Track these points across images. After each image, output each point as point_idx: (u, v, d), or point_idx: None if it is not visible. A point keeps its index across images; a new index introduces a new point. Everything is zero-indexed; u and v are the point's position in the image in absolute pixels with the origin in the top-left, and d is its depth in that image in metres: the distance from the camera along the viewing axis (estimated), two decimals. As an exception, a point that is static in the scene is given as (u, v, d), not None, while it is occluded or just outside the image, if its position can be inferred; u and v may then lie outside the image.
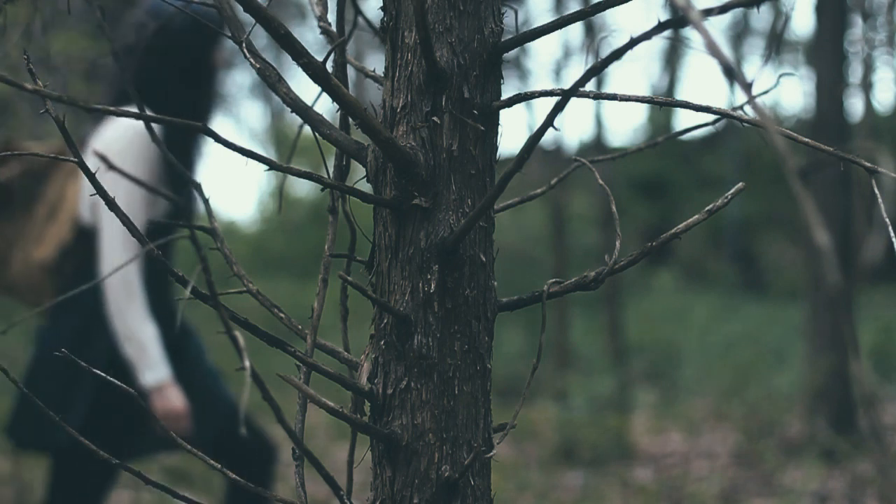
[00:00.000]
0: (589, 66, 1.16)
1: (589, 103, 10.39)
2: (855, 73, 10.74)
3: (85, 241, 3.13)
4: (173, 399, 3.04)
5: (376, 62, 1.56)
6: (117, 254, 3.01)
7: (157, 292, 3.14)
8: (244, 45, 1.36)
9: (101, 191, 1.33)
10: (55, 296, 3.16)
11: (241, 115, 26.46)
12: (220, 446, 3.20)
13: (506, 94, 1.42)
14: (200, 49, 3.19)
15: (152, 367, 3.02)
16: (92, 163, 3.23)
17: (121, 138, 3.03)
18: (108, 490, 3.22)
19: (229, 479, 1.41)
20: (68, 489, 3.16)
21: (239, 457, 3.19)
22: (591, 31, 8.50)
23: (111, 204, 1.33)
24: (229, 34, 1.40)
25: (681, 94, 13.94)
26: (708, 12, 1.05)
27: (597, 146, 9.80)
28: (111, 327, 3.04)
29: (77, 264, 3.14)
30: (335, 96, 1.33)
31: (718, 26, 19.08)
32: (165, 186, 3.12)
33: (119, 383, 1.42)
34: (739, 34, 18.73)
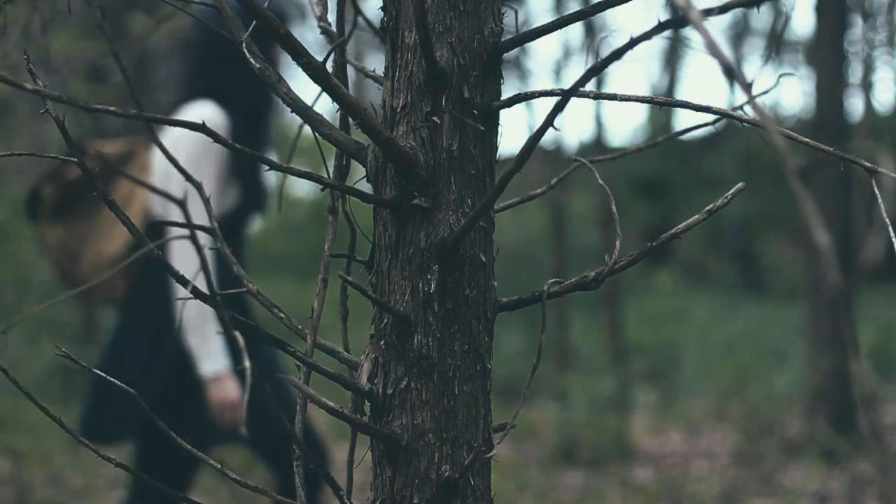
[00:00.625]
0: (589, 66, 1.16)
1: (589, 103, 10.39)
2: (855, 73, 10.74)
3: (156, 234, 3.19)
4: (229, 390, 3.09)
5: (376, 62, 1.56)
6: (186, 245, 3.05)
7: (225, 285, 3.20)
8: (244, 45, 1.36)
9: (100, 191, 1.33)
10: (126, 290, 3.24)
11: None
12: (276, 449, 3.26)
13: (506, 94, 1.42)
14: (261, 44, 3.24)
15: (212, 357, 3.09)
16: (160, 164, 3.30)
17: (189, 133, 3.07)
18: (193, 475, 3.29)
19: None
20: (155, 475, 3.22)
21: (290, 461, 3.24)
22: (591, 31, 8.50)
23: (111, 204, 1.33)
24: (229, 34, 1.40)
25: (681, 94, 13.94)
26: (708, 12, 1.05)
27: (597, 146, 9.80)
28: (176, 318, 3.11)
29: (148, 258, 3.19)
30: (335, 96, 1.33)
31: (718, 26, 19.09)
32: (234, 179, 3.21)
33: (118, 386, 1.42)
34: (739, 34, 18.74)
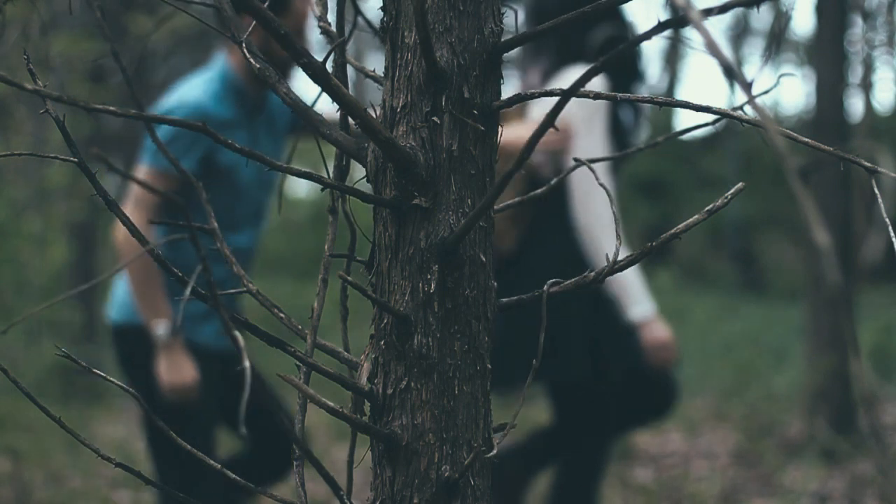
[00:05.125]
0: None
1: (589, 103, 10.34)
2: (855, 73, 10.73)
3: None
4: (660, 331, 3.28)
5: (376, 62, 1.55)
6: (591, 198, 3.24)
7: None
8: (244, 45, 1.36)
9: (99, 189, 1.32)
10: (514, 241, 3.38)
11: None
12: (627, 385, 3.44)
13: (506, 94, 1.42)
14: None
15: (637, 302, 3.28)
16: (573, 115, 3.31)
17: (585, 104, 3.20)
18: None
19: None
20: (582, 416, 3.48)
21: (641, 395, 3.47)
22: (591, 31, 8.48)
23: (111, 204, 1.33)
24: (229, 34, 1.40)
25: (681, 94, 13.95)
26: (708, 12, 1.05)
27: (597, 146, 9.77)
28: (591, 264, 3.23)
29: (537, 209, 3.37)
30: (335, 96, 1.33)
31: (718, 26, 19.09)
32: (612, 148, 3.35)
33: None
34: (739, 34, 18.73)
